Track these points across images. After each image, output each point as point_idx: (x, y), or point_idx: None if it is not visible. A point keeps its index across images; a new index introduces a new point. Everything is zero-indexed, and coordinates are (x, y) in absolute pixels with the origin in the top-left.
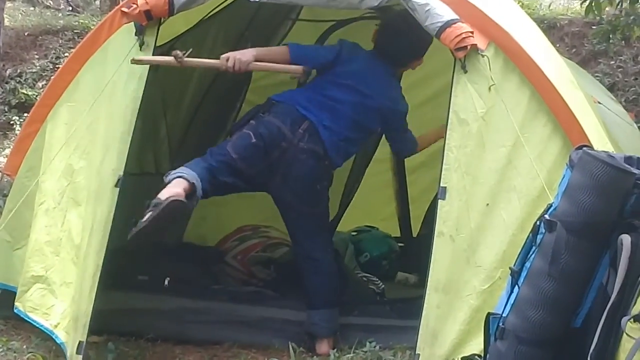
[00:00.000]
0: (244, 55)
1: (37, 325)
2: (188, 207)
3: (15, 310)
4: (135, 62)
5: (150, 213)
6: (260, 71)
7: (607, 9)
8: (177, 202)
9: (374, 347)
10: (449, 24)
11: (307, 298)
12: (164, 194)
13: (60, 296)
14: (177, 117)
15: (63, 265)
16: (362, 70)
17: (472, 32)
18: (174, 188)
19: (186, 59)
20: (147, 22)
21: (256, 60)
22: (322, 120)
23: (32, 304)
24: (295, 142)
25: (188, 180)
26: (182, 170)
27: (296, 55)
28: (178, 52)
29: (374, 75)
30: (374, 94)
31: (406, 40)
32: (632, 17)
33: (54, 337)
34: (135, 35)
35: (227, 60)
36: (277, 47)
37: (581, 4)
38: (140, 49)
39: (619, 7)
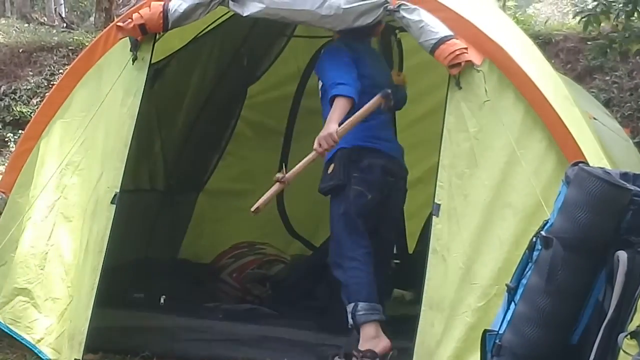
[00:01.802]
0: (326, 130)
1: (18, 339)
2: None
3: None
4: (255, 212)
5: None
6: (352, 128)
7: (602, 24)
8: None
9: None
10: (443, 40)
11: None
12: (376, 347)
13: (45, 311)
14: (171, 134)
15: (49, 280)
16: (368, 58)
17: (466, 49)
18: (382, 341)
19: (287, 175)
20: (142, 36)
21: (339, 125)
22: (394, 148)
23: (12, 316)
24: (397, 172)
25: (383, 321)
26: (371, 310)
27: (350, 93)
28: (278, 175)
29: (374, 59)
30: (381, 67)
31: None
32: (628, 33)
33: (36, 352)
34: (130, 50)
35: (320, 146)
36: (338, 104)
37: (579, 21)
38: (133, 64)
39: (615, 22)
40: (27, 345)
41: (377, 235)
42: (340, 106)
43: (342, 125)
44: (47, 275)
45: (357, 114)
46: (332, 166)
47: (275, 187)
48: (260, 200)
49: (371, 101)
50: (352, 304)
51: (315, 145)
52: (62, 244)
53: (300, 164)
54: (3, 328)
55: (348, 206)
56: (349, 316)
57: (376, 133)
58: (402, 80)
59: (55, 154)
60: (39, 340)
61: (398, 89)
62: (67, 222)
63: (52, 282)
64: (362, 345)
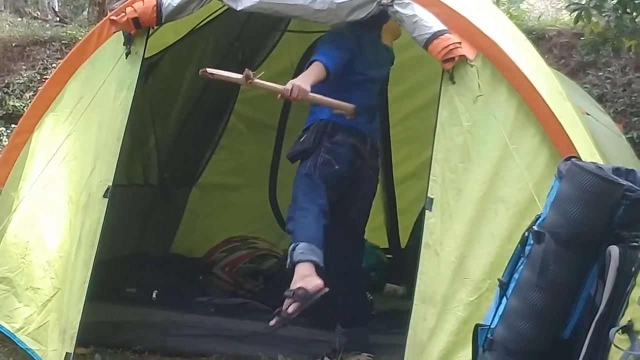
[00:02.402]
0: (303, 84)
1: None
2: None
3: None
4: (204, 73)
5: (297, 304)
6: (314, 102)
7: (593, 19)
8: (324, 293)
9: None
10: (436, 35)
11: (342, 316)
12: (308, 285)
13: (25, 300)
14: (166, 129)
15: (30, 269)
16: (370, 53)
17: (460, 43)
18: (315, 279)
19: (255, 80)
20: (136, 30)
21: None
22: (373, 133)
23: None
24: (367, 159)
25: (319, 265)
26: (309, 251)
27: (329, 65)
28: (250, 72)
29: (375, 48)
30: (380, 63)
31: None
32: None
33: (15, 340)
34: (124, 44)
35: (292, 87)
36: (316, 68)
37: (570, 13)
38: (126, 58)
39: (607, 18)
40: (6, 334)
41: (347, 221)
42: (317, 71)
43: (315, 95)
44: (28, 264)
45: (329, 99)
46: (305, 135)
47: (237, 76)
48: (218, 72)
49: (346, 104)
50: (293, 244)
51: (288, 86)
52: (46, 234)
53: (270, 84)
54: None
55: (312, 170)
56: (288, 257)
57: (366, 121)
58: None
59: (47, 148)
60: (18, 330)
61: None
62: (53, 213)
63: (34, 272)
64: (294, 284)
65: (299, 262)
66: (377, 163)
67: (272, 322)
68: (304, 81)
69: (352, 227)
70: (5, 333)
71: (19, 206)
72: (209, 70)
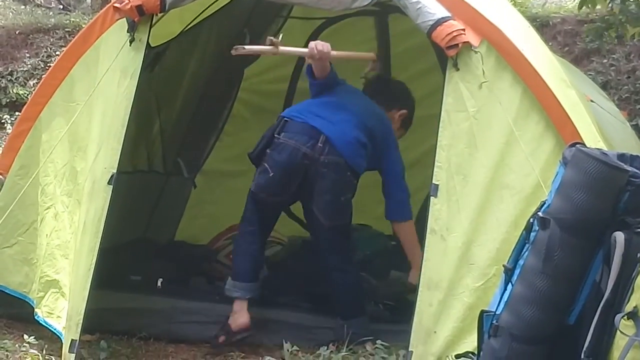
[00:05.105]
0: (325, 46)
1: (53, 330)
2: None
3: (35, 317)
4: (237, 51)
5: (224, 337)
6: (337, 59)
7: (598, 7)
8: (246, 335)
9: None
10: (440, 21)
11: (338, 309)
12: (233, 323)
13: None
14: (170, 116)
15: (71, 268)
16: (351, 92)
17: (463, 30)
18: (240, 317)
19: (281, 47)
20: (139, 17)
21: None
22: (335, 131)
23: (48, 309)
24: (316, 157)
25: (249, 299)
26: (234, 288)
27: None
28: (273, 38)
29: (361, 96)
30: (362, 112)
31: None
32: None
33: (63, 339)
34: (128, 32)
35: (315, 48)
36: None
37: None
38: (130, 45)
39: (610, 5)
40: (60, 336)
41: (312, 222)
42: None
43: (338, 52)
44: (70, 262)
45: (351, 53)
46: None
47: (265, 48)
48: (247, 47)
49: (366, 54)
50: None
51: (312, 46)
52: (77, 229)
53: (296, 50)
54: (43, 323)
55: (253, 185)
56: None
57: (317, 110)
58: None
59: (55, 137)
60: (64, 328)
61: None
62: (80, 207)
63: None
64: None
65: (232, 297)
66: (338, 159)
67: (220, 339)
68: (324, 44)
69: (320, 226)
70: (59, 335)
71: (54, 206)
72: (240, 47)
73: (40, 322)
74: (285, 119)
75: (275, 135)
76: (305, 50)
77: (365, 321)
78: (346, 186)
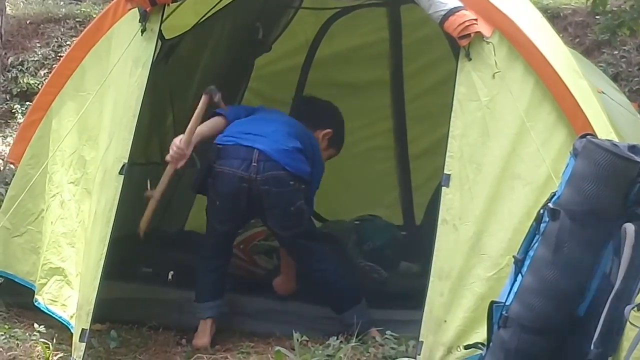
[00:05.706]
0: (174, 148)
1: (56, 317)
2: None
3: (35, 304)
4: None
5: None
6: (192, 132)
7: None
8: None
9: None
10: (452, 11)
11: (331, 306)
12: (196, 343)
13: (76, 287)
14: (183, 108)
15: (78, 257)
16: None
17: (475, 20)
18: (201, 339)
19: (154, 191)
20: (151, 7)
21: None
22: (268, 142)
23: (51, 296)
24: (253, 177)
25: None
26: (197, 309)
27: (230, 116)
28: (147, 192)
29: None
30: (291, 122)
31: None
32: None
33: (70, 327)
34: (139, 21)
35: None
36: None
37: None
38: (142, 35)
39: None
40: (64, 323)
41: (276, 233)
42: (210, 121)
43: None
44: (77, 251)
45: (192, 119)
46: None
47: (151, 204)
48: (143, 221)
49: (200, 103)
50: None
51: (167, 157)
52: (85, 219)
53: (163, 178)
54: (44, 310)
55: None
56: None
57: (246, 128)
58: None
59: (65, 126)
60: (71, 316)
61: None
62: (89, 196)
63: (81, 258)
64: None
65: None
66: (277, 172)
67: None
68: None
69: (280, 237)
70: (63, 322)
71: (60, 194)
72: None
73: (42, 308)
74: (219, 145)
75: (213, 165)
76: (169, 168)
77: (362, 308)
78: (293, 195)
